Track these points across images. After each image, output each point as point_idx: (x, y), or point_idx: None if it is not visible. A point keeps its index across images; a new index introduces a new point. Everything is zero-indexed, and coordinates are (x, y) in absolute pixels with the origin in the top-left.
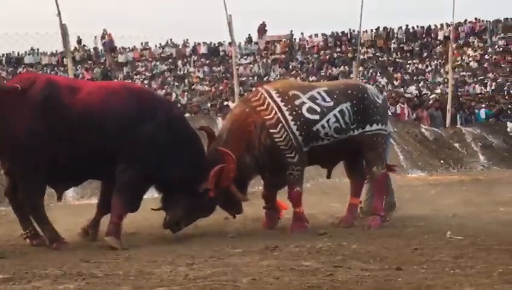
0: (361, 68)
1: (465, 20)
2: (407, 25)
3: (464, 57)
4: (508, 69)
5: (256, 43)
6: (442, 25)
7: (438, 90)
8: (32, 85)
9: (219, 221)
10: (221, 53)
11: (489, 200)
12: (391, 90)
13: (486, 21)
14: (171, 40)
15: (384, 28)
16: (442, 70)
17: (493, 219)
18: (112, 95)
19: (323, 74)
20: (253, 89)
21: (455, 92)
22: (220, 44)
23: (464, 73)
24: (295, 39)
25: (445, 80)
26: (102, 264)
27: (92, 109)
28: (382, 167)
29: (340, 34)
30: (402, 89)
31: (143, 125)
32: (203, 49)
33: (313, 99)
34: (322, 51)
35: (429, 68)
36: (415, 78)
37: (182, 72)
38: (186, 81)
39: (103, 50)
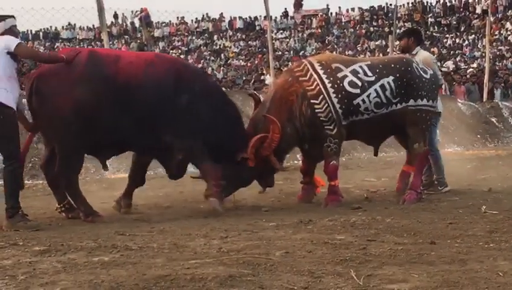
0: (398, 42)
1: None
2: None
3: (502, 31)
4: None
5: (292, 17)
6: None
7: (475, 65)
8: (75, 58)
9: (253, 195)
10: (257, 27)
11: None
12: None
13: None
14: (207, 14)
15: (421, 2)
16: (479, 45)
17: None
18: (149, 66)
19: (359, 48)
20: (294, 61)
21: (493, 66)
22: (256, 18)
23: (502, 47)
24: (331, 13)
25: (483, 54)
26: (136, 237)
27: (132, 79)
28: (424, 144)
29: (376, 8)
30: (439, 64)
31: (181, 96)
32: (239, 24)
33: (354, 73)
34: (359, 25)
35: (466, 42)
36: (452, 52)
37: (217, 47)
38: (222, 55)
39: (139, 25)
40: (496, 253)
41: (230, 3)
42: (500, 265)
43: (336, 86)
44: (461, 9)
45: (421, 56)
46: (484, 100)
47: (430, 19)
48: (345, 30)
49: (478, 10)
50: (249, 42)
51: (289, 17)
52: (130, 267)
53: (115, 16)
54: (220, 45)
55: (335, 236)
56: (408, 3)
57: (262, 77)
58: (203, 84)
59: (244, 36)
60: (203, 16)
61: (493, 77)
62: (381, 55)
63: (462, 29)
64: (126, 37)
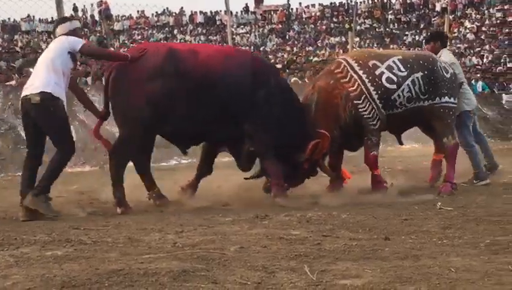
0: (358, 39)
1: None
2: None
3: (461, 29)
4: (505, 42)
5: (253, 12)
6: None
7: None
8: (151, 53)
9: (212, 189)
10: (218, 22)
11: None
12: None
13: None
14: (167, 8)
15: None
16: None
17: (484, 190)
18: (229, 59)
19: (320, 44)
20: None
21: None
22: (217, 13)
23: (461, 45)
24: (292, 9)
25: None
26: (91, 231)
27: (212, 73)
28: (453, 137)
29: (337, 5)
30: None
31: (259, 90)
32: (199, 18)
33: (390, 68)
34: (319, 21)
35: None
36: (411, 49)
37: (178, 41)
38: None
39: (99, 18)
40: (449, 249)
41: None
42: (453, 261)
43: (375, 83)
44: (421, 7)
45: (446, 57)
46: None
47: (390, 16)
48: (305, 26)
49: (438, 8)
50: (210, 37)
51: (250, 12)
52: (83, 262)
53: (75, 8)
54: (180, 39)
55: (290, 231)
56: (368, 0)
57: None
58: (277, 79)
59: (204, 31)
60: (164, 9)
61: None
62: (341, 51)
63: (422, 26)
64: (86, 30)
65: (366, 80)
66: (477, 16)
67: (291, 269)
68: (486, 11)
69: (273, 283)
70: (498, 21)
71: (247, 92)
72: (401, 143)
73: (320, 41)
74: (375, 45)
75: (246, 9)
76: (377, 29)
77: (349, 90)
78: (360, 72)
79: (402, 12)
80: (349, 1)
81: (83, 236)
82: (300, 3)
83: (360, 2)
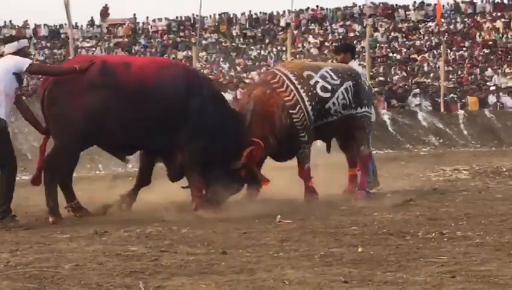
0: (204, 53)
1: (307, 7)
2: (250, 11)
3: (305, 44)
4: None
5: (99, 26)
6: (284, 12)
7: None
8: (90, 66)
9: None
10: (63, 35)
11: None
12: (233, 76)
13: (327, 9)
14: (10, 21)
15: (227, 14)
16: (283, 57)
17: (322, 202)
18: (162, 70)
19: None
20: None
21: None
22: (61, 26)
23: (305, 59)
24: (138, 23)
25: None
26: None
27: (145, 83)
28: (368, 147)
29: (183, 19)
30: (245, 75)
31: (193, 100)
32: (43, 32)
33: (323, 78)
34: (166, 36)
35: (271, 54)
36: (257, 63)
37: None
38: None
39: None
40: (285, 262)
41: (34, 10)
42: (287, 273)
43: (309, 93)
44: (266, 22)
45: (356, 69)
46: None
47: (236, 31)
48: (151, 40)
49: (282, 23)
50: (54, 50)
51: (95, 26)
52: None
53: None
54: None
55: (128, 247)
56: (215, 15)
57: None
58: (210, 90)
59: (49, 44)
60: (5, 22)
61: None
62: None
63: (267, 41)
64: None
65: (301, 90)
66: (321, 31)
67: (125, 286)
68: (329, 27)
69: None
70: (340, 36)
71: (180, 103)
72: (328, 151)
73: (166, 55)
74: (222, 59)
75: (92, 22)
76: (223, 44)
77: (285, 100)
78: (296, 82)
79: (248, 26)
80: (195, 15)
81: None
82: (147, 17)
83: (206, 17)
